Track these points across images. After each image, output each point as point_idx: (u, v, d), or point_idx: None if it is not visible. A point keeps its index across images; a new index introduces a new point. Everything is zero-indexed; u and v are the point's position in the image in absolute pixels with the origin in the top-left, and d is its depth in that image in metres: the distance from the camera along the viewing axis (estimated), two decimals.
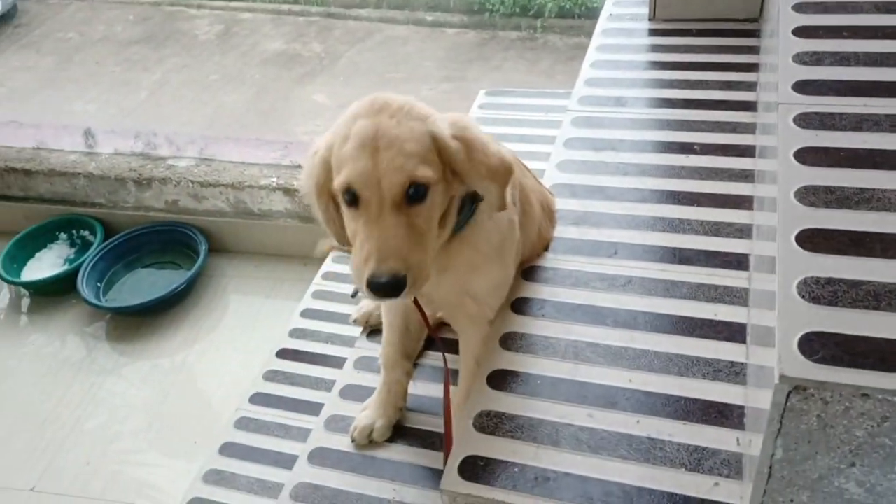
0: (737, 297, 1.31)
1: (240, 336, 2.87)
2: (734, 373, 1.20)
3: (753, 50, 1.85)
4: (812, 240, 0.90)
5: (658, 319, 1.30)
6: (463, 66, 3.68)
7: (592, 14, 3.81)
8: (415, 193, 1.08)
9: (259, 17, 4.38)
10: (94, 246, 3.04)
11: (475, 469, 1.14)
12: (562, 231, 1.49)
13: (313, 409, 2.01)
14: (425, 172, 1.07)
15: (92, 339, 2.90)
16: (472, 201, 1.22)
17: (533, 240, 1.41)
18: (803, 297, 0.84)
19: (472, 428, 1.19)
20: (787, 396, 0.79)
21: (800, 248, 0.89)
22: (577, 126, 1.73)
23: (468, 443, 1.17)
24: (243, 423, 2.04)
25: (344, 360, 2.13)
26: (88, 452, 2.51)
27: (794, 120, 1.07)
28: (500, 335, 1.33)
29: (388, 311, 1.52)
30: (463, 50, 3.87)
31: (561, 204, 1.52)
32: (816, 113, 1.08)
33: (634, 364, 1.24)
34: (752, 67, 1.80)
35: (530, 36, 3.95)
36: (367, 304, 1.84)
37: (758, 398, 0.95)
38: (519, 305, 1.37)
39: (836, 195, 0.95)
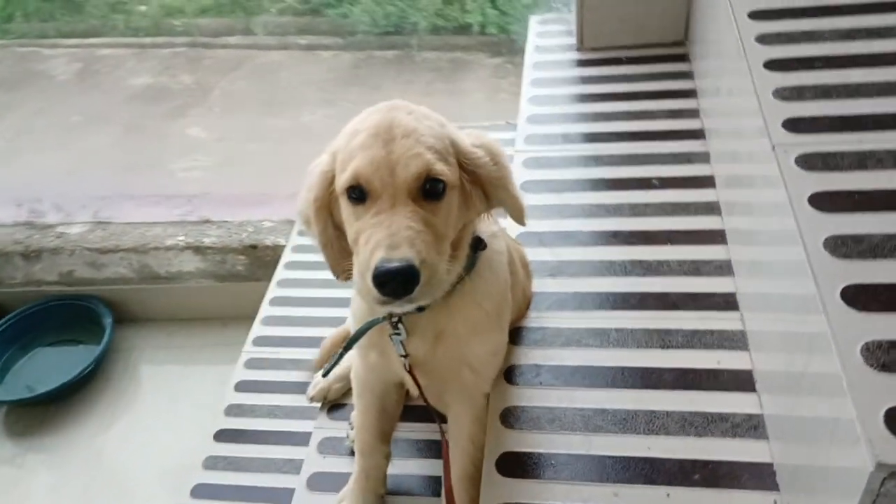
0: (734, 341, 1.26)
1: (161, 412, 2.62)
2: (752, 427, 1.14)
3: (688, 75, 1.84)
4: (859, 298, 0.85)
5: (662, 375, 1.23)
6: (342, 89, 3.58)
7: (465, 30, 3.81)
8: (432, 189, 0.95)
9: (120, 53, 4.10)
10: None
11: None
12: (540, 285, 1.40)
13: (266, 495, 1.85)
14: (443, 168, 0.95)
15: None
16: (474, 249, 1.11)
17: (518, 299, 1.31)
18: (871, 365, 0.79)
19: None
20: (882, 483, 0.72)
21: (852, 309, 0.84)
22: (529, 167, 1.66)
23: None
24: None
25: (293, 434, 1.98)
26: None
27: (797, 162, 1.03)
28: (500, 412, 1.22)
29: (361, 393, 1.39)
30: (340, 72, 3.77)
31: (532, 255, 1.44)
32: (818, 153, 1.04)
33: (649, 428, 1.16)
34: (690, 93, 1.79)
35: (406, 54, 3.90)
36: (322, 379, 1.69)
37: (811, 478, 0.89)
38: (512, 375, 1.27)
39: (865, 244, 0.91)
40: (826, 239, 0.92)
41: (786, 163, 1.03)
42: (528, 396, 1.23)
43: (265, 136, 3.29)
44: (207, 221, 2.78)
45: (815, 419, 0.91)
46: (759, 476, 1.09)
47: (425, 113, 1.02)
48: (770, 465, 1.09)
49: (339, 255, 1.06)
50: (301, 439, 1.95)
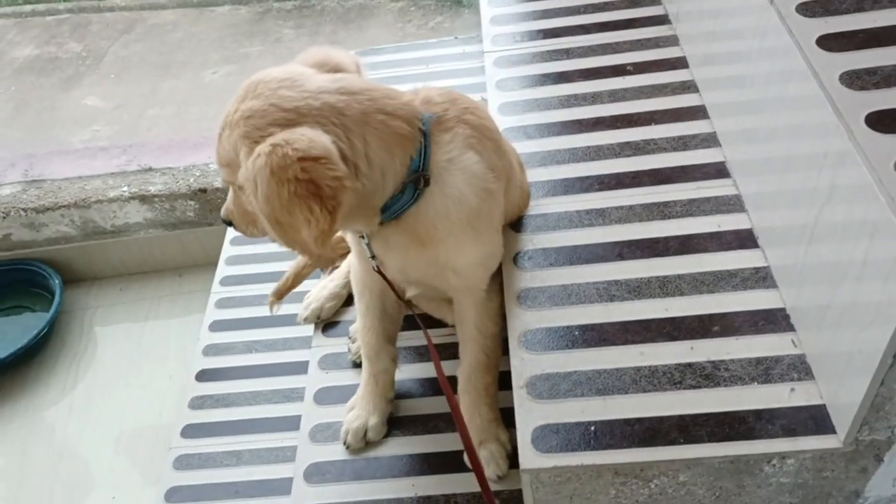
0: (731, 204, 1.30)
1: (124, 371, 2.52)
2: (761, 278, 1.19)
3: None
4: (884, 122, 0.88)
5: (668, 243, 1.26)
6: (242, 45, 3.45)
7: None
8: None
9: None
10: None
11: (549, 439, 1.04)
12: (532, 175, 1.40)
13: (259, 426, 1.82)
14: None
15: None
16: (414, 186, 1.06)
17: (516, 197, 1.31)
18: None
19: (527, 398, 1.09)
20: None
21: (878, 133, 0.87)
22: (500, 66, 1.64)
23: (531, 414, 1.07)
24: (184, 462, 1.79)
25: (277, 365, 1.95)
26: None
27: (798, 10, 1.05)
28: (516, 295, 1.23)
29: (361, 292, 1.37)
30: (239, 28, 3.63)
31: (520, 148, 1.43)
32: (815, 1, 1.06)
33: (663, 291, 1.19)
34: None
35: (306, 3, 3.79)
36: (315, 297, 1.66)
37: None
38: (521, 260, 1.28)
39: (878, 76, 0.94)
40: (840, 75, 0.95)
41: (787, 12, 1.05)
42: (542, 278, 1.24)
43: (167, 100, 3.13)
44: (151, 169, 2.66)
45: (836, 262, 0.94)
46: (774, 320, 1.13)
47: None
48: (783, 310, 1.14)
49: None
50: (286, 369, 1.93)
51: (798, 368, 1.07)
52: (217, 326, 2.08)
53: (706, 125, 1.44)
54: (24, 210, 2.59)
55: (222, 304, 2.13)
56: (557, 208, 1.34)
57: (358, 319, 1.41)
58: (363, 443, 1.41)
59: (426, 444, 1.41)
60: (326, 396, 1.53)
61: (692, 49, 1.56)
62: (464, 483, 1.34)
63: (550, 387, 1.10)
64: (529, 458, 1.03)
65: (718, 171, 1.36)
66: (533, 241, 1.30)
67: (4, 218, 2.59)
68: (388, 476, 1.37)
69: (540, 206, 1.35)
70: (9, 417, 2.42)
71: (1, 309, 2.66)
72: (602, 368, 1.10)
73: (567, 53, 1.65)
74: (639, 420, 1.04)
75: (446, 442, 1.40)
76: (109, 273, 2.74)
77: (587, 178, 1.38)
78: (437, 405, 1.46)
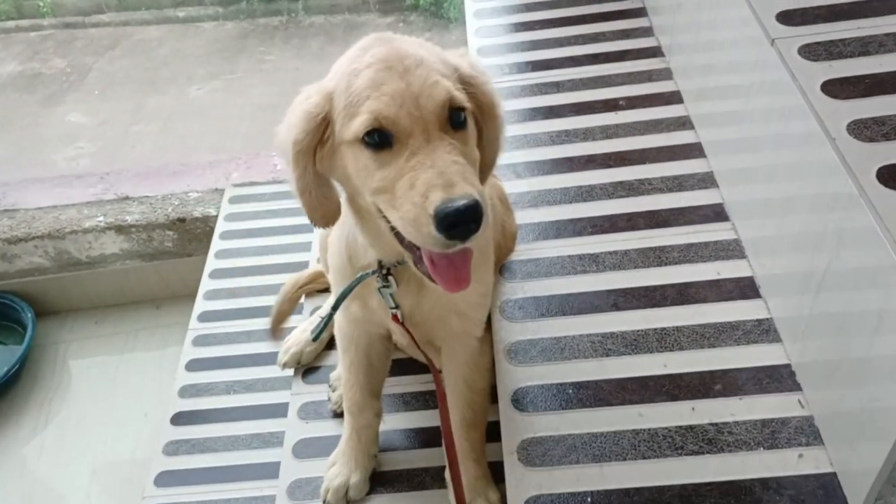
0: (731, 250, 1.24)
1: (98, 407, 2.43)
2: (764, 331, 1.12)
3: None
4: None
5: (665, 292, 1.19)
6: (229, 61, 3.39)
7: None
8: (455, 118, 0.86)
9: None
10: None
11: None
12: (522, 217, 1.34)
13: (237, 474, 1.74)
14: (461, 95, 0.87)
15: None
16: None
17: (498, 237, 1.24)
18: None
19: (519, 464, 1.02)
20: None
21: (890, 190, 0.81)
22: None
23: (522, 482, 1.00)
24: None
25: (258, 408, 1.87)
26: None
27: (801, 53, 1.00)
28: (505, 349, 1.16)
29: (346, 347, 1.29)
30: (225, 44, 3.58)
31: (509, 188, 1.37)
32: (818, 43, 1.01)
33: (662, 345, 1.13)
34: (639, 12, 1.74)
35: (292, 20, 3.73)
36: (294, 341, 1.58)
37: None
38: (511, 310, 1.21)
39: (888, 126, 0.89)
40: (848, 124, 0.89)
41: (789, 55, 1.00)
42: (533, 329, 1.18)
43: (152, 116, 3.08)
44: (127, 198, 2.57)
45: (847, 313, 0.88)
46: (779, 378, 1.07)
47: (422, 42, 0.92)
48: (788, 366, 1.08)
49: (317, 201, 0.96)
50: (266, 412, 1.85)
51: (806, 432, 1.01)
52: (194, 366, 2.00)
53: (703, 164, 1.38)
54: None
55: (199, 341, 2.06)
56: (549, 253, 1.27)
57: (342, 373, 1.33)
58: (344, 501, 1.33)
59: (412, 502, 1.33)
60: (306, 449, 1.45)
61: (687, 83, 1.50)
62: None
63: (543, 452, 1.03)
64: None
65: (716, 213, 1.30)
66: (524, 288, 1.24)
67: None
68: None
69: (531, 250, 1.29)
70: None
71: None
72: (598, 431, 1.04)
73: (558, 87, 1.59)
74: (638, 490, 0.97)
75: (433, 499, 1.32)
76: (85, 305, 2.65)
77: (580, 220, 1.32)
78: (422, 459, 1.38)
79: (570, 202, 1.35)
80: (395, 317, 1.08)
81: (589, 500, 0.97)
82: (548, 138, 1.48)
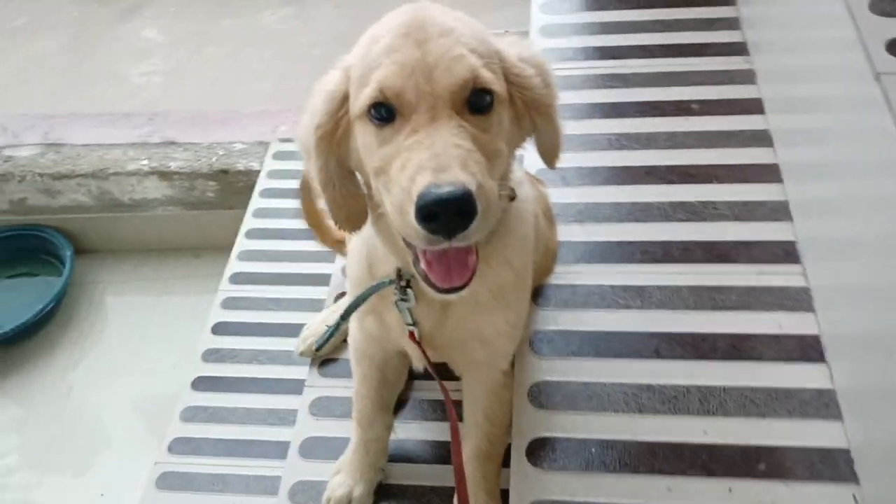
0: (797, 300, 1.09)
1: (132, 349, 2.42)
2: (824, 405, 0.98)
3: None
4: None
5: (716, 342, 1.06)
6: None
7: None
8: (478, 102, 0.74)
9: None
10: None
11: None
12: (565, 233, 1.20)
13: (250, 449, 1.69)
14: (489, 75, 0.74)
15: None
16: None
17: (540, 255, 1.11)
18: None
19: None
20: None
21: None
22: None
23: None
24: (167, 481, 1.67)
25: (279, 382, 1.81)
26: None
27: None
28: (528, 388, 1.04)
29: (359, 360, 1.20)
30: None
31: (554, 196, 1.23)
32: None
33: (704, 408, 1.00)
34: None
35: None
36: (313, 331, 1.50)
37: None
38: (540, 343, 1.09)
39: None
40: None
41: (895, 95, 0.82)
42: (561, 369, 1.05)
43: (223, 41, 3.00)
44: (173, 143, 2.51)
45: None
46: (834, 465, 0.93)
47: (462, 16, 0.79)
48: (846, 452, 0.94)
49: (342, 198, 0.84)
50: (288, 387, 1.79)
51: None
52: (220, 329, 1.95)
53: (778, 190, 1.21)
54: (41, 175, 2.47)
55: (228, 304, 2.00)
56: (589, 279, 1.14)
57: (354, 383, 1.24)
58: None
59: None
60: (314, 449, 1.38)
61: (771, 90, 1.32)
62: None
63: None
64: None
65: (787, 252, 1.14)
66: (556, 319, 1.11)
67: (21, 181, 2.48)
68: None
69: (569, 273, 1.15)
70: (18, 386, 2.34)
71: (13, 274, 2.57)
72: (618, 503, 0.92)
73: (624, 80, 1.42)
74: None
75: None
76: (125, 247, 2.62)
77: (629, 243, 1.18)
78: (432, 476, 1.30)
79: (621, 221, 1.21)
80: (411, 334, 0.97)
81: None
82: (605, 141, 1.33)
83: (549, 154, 0.90)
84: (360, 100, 0.75)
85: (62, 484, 2.12)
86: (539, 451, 0.98)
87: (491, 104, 0.75)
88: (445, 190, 0.66)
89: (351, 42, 0.84)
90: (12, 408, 2.33)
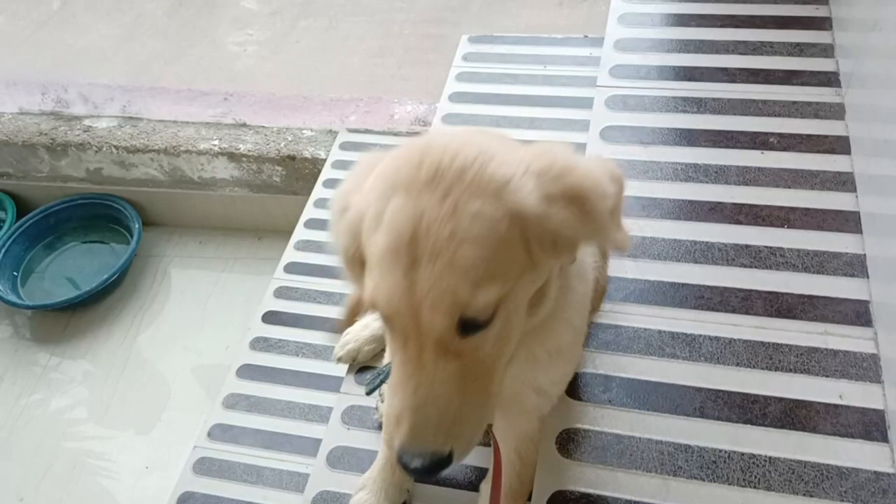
0: (864, 368, 0.99)
1: (188, 328, 2.47)
2: (881, 490, 0.89)
3: None
4: None
5: (767, 406, 0.97)
6: None
7: None
8: (472, 326, 0.68)
9: None
10: (6, 226, 2.56)
11: None
12: (616, 268, 1.13)
13: (288, 444, 1.69)
14: (487, 297, 0.66)
15: (13, 341, 2.46)
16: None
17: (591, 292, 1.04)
18: None
19: None
20: None
21: None
22: (612, 109, 1.35)
23: None
24: (204, 466, 1.69)
25: (321, 378, 1.81)
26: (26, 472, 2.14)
27: None
28: (556, 433, 0.99)
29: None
30: None
31: None
32: None
33: (745, 479, 0.92)
34: (823, 23, 1.43)
35: None
36: (353, 336, 1.48)
37: None
38: (575, 387, 1.03)
39: None
40: None
41: None
42: (594, 417, 0.99)
43: (320, 12, 3.00)
44: (244, 125, 2.53)
45: None
46: None
47: (475, 177, 0.66)
48: None
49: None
50: (329, 384, 1.78)
51: None
52: (270, 318, 1.96)
53: (856, 242, 1.11)
54: (117, 147, 2.54)
55: (281, 293, 2.01)
56: (635, 322, 1.07)
57: (386, 395, 1.21)
58: None
59: None
60: (342, 459, 1.36)
61: (861, 129, 1.21)
62: None
63: None
64: None
65: (858, 314, 1.04)
66: (595, 361, 1.05)
67: (97, 152, 2.55)
68: None
69: (614, 313, 1.09)
70: (85, 348, 2.42)
71: (86, 240, 2.66)
72: None
73: (699, 105, 1.33)
74: None
75: None
76: (190, 224, 2.67)
77: (684, 286, 1.10)
78: (458, 502, 1.26)
79: (678, 261, 1.13)
80: None
81: None
82: (671, 171, 1.24)
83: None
84: (366, 296, 0.70)
85: (112, 447, 2.19)
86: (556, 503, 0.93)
87: (491, 318, 0.68)
88: (415, 463, 0.69)
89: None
90: (84, 364, 2.42)
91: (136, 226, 2.54)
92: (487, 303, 0.66)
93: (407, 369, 0.68)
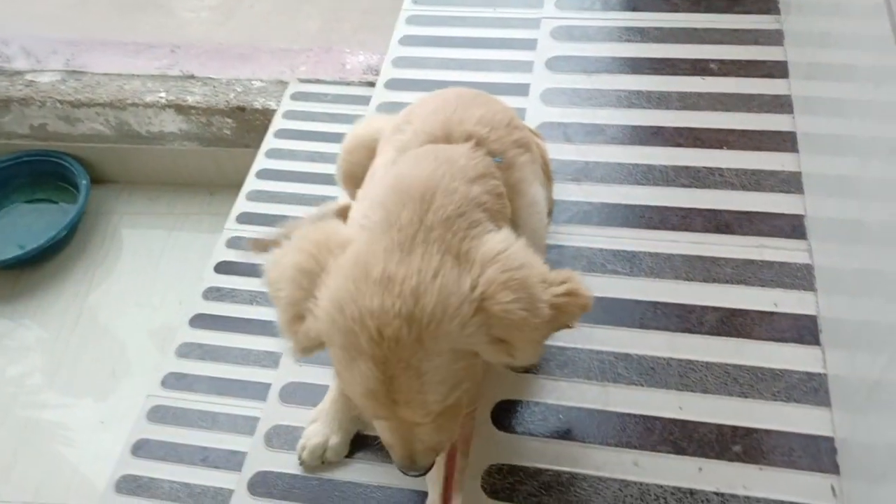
0: (798, 277, 1.02)
1: (141, 284, 2.43)
2: (812, 389, 0.92)
3: None
4: None
5: (704, 315, 1.00)
6: None
7: None
8: None
9: None
10: None
11: None
12: (561, 191, 1.14)
13: (243, 390, 1.69)
14: (454, 398, 0.74)
15: None
16: None
17: None
18: None
19: (481, 492, 0.89)
20: None
21: None
22: (558, 39, 1.36)
23: None
24: (158, 414, 1.68)
25: (274, 324, 1.79)
26: None
27: None
28: None
29: None
30: None
31: (554, 152, 1.17)
32: None
33: (682, 383, 0.95)
34: None
35: None
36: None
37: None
38: None
39: None
40: None
41: None
42: None
43: None
44: (192, 77, 2.48)
45: None
46: (815, 454, 0.88)
47: (428, 277, 0.70)
48: (830, 440, 0.89)
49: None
50: None
51: None
52: (223, 268, 1.94)
53: (792, 160, 1.14)
54: (61, 102, 2.47)
55: (233, 243, 1.99)
56: (578, 241, 1.09)
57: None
58: (320, 462, 1.24)
59: (389, 475, 1.23)
60: (295, 394, 1.35)
61: (799, 54, 1.23)
62: None
63: (511, 485, 0.88)
64: None
65: (793, 227, 1.07)
66: None
67: (41, 107, 2.48)
68: None
69: (558, 234, 1.10)
70: (35, 307, 2.37)
71: (32, 199, 2.59)
72: (581, 473, 0.89)
73: (642, 34, 1.34)
74: None
75: (412, 479, 1.21)
76: (141, 180, 2.62)
77: (625, 207, 1.12)
78: None
79: (620, 183, 1.15)
80: None
81: None
82: (614, 98, 1.26)
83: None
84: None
85: (65, 403, 2.16)
86: (504, 414, 0.95)
87: None
88: (412, 474, 0.81)
89: None
90: (34, 327, 2.37)
91: (84, 182, 2.48)
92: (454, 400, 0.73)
93: (385, 423, 0.76)
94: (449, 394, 0.72)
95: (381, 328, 0.68)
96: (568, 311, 0.75)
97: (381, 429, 0.79)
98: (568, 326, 0.80)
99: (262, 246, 1.49)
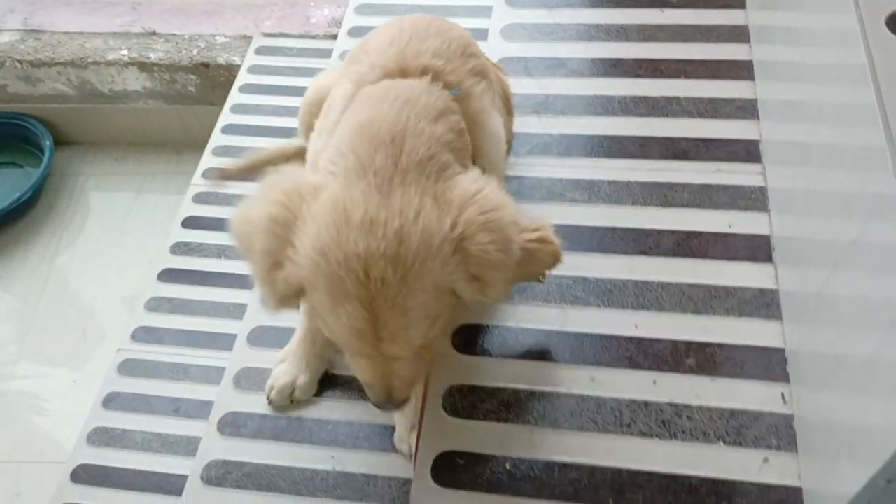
0: (752, 198, 1.04)
1: (109, 245, 2.41)
2: (765, 304, 0.94)
3: None
4: None
5: (661, 238, 1.01)
6: None
7: None
8: None
9: None
10: None
11: (454, 470, 0.86)
12: (521, 123, 1.15)
13: (214, 341, 1.69)
14: (434, 331, 0.76)
15: None
16: None
17: None
18: None
19: (441, 411, 0.90)
20: None
21: None
22: None
23: (439, 433, 0.89)
24: (129, 367, 1.68)
25: (244, 277, 1.79)
26: None
27: None
28: None
29: None
30: None
31: (514, 86, 1.17)
32: None
33: (638, 302, 0.96)
34: None
35: None
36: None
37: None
38: None
39: None
40: None
41: None
42: None
43: None
44: (154, 34, 2.43)
45: (865, 300, 0.69)
46: (766, 364, 0.90)
47: (413, 214, 0.72)
48: (781, 352, 0.91)
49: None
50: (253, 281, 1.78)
51: (779, 433, 0.85)
52: (190, 223, 1.93)
53: (748, 88, 1.15)
54: (21, 62, 2.42)
55: (200, 198, 1.98)
56: (537, 172, 1.10)
57: None
58: (288, 401, 1.25)
59: (357, 412, 1.24)
60: (262, 337, 1.36)
61: None
62: (388, 465, 1.18)
63: (471, 404, 0.90)
64: (424, 490, 0.85)
65: (749, 152, 1.08)
66: None
67: (0, 67, 2.43)
68: (307, 442, 1.21)
69: (518, 165, 1.11)
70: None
71: None
72: (538, 390, 0.90)
73: None
74: (566, 466, 0.85)
75: (380, 414, 1.23)
76: (106, 140, 2.58)
77: (584, 137, 1.13)
78: None
79: (580, 114, 1.15)
80: None
81: (509, 467, 0.85)
82: (574, 31, 1.26)
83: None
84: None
85: (36, 370, 2.14)
86: (464, 338, 0.96)
87: None
88: (387, 408, 0.84)
89: None
90: (1, 294, 2.34)
91: (48, 143, 2.45)
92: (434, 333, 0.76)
93: (359, 361, 0.79)
94: (430, 328, 0.74)
95: (368, 270, 0.69)
96: (539, 257, 0.79)
97: (360, 367, 0.81)
98: (539, 279, 0.83)
99: (228, 175, 1.49)
